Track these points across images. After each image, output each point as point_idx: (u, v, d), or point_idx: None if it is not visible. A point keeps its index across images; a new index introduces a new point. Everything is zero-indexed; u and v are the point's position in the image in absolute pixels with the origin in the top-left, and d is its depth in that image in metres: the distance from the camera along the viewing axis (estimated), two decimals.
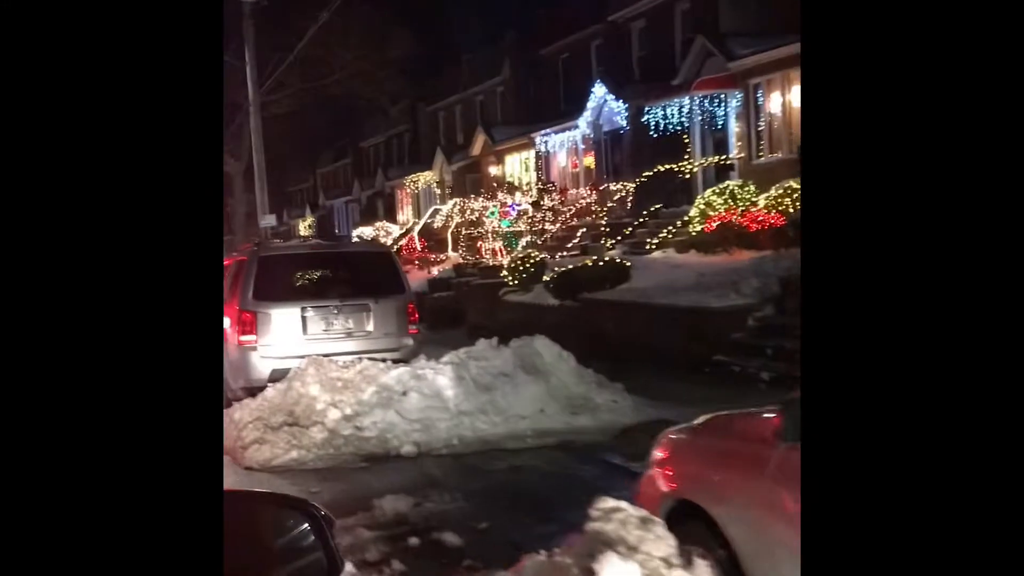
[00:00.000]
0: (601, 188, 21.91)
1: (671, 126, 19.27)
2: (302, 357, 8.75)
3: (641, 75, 23.55)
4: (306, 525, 1.81)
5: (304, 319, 8.93)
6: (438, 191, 34.54)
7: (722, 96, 18.09)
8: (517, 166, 28.57)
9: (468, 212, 25.35)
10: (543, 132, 25.56)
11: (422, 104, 40.94)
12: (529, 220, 22.72)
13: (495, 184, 28.30)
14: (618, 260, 13.45)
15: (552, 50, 29.14)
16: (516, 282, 15.58)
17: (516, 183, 26.75)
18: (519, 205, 23.84)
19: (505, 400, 8.23)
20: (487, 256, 22.15)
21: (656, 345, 10.83)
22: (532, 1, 31.31)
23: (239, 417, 8.15)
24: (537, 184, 25.00)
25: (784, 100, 16.68)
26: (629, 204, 20.25)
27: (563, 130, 24.53)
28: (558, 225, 21.85)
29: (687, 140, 19.28)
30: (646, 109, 19.26)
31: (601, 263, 13.33)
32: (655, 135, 19.53)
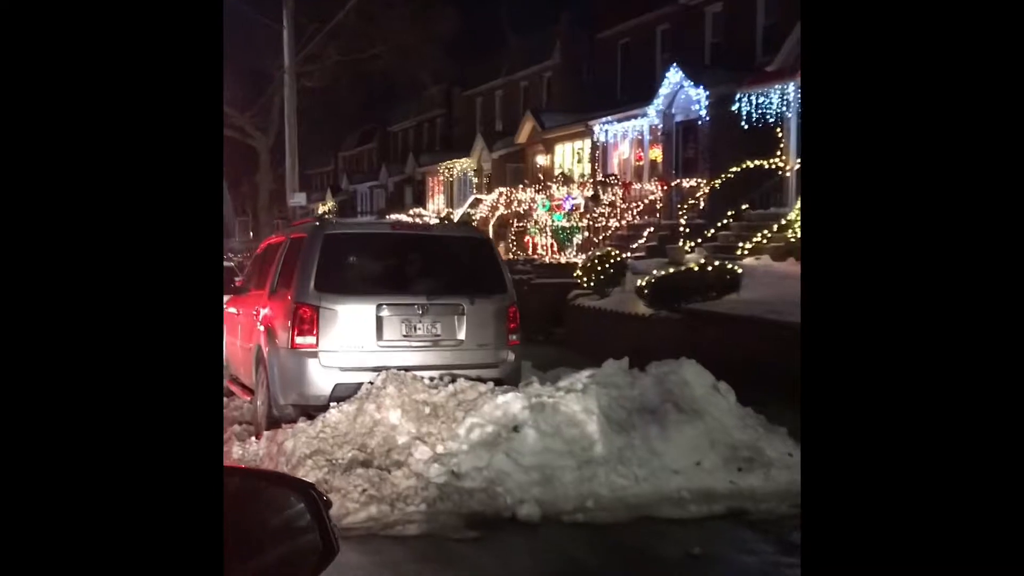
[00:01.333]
0: (673, 184, 19.75)
1: (761, 118, 17.06)
2: (375, 370, 6.64)
3: (713, 63, 21.41)
4: (302, 506, 1.75)
5: (380, 320, 6.81)
6: (475, 179, 32.43)
7: None
8: (569, 156, 26.40)
9: (515, 203, 23.27)
10: (603, 120, 23.38)
11: (458, 88, 38.97)
12: (586, 215, 20.61)
13: (542, 175, 26.18)
14: (728, 266, 11.27)
15: (611, 34, 27.00)
16: (592, 284, 13.45)
17: (568, 174, 24.61)
18: (574, 198, 21.73)
19: (650, 446, 6.11)
20: (541, 252, 20.05)
21: (782, 372, 8.68)
22: None
23: (291, 447, 6.05)
24: (594, 176, 22.84)
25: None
26: (703, 203, 18.08)
27: (627, 118, 22.35)
28: (623, 223, 19.72)
29: (780, 134, 17.07)
30: (736, 97, 17.03)
31: (709, 268, 11.16)
32: (742, 127, 17.32)
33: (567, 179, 23.32)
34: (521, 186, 24.60)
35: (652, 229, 18.85)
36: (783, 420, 6.79)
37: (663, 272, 11.59)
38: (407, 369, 6.67)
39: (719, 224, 16.90)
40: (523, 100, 32.51)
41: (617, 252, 14.00)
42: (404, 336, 6.88)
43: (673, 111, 20.71)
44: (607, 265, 13.45)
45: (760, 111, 16.98)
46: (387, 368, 6.65)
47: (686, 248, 16.35)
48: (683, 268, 11.51)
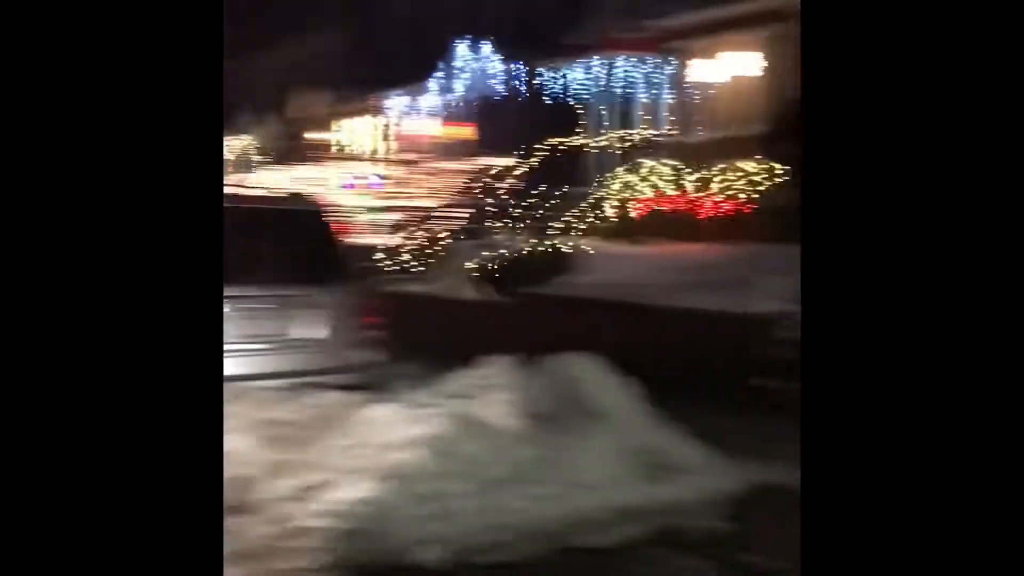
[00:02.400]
0: (478, 162, 18.93)
1: (567, 94, 16.59)
2: None
3: (513, 38, 20.79)
4: None
5: None
6: (259, 157, 30.10)
7: (635, 62, 15.62)
8: (361, 132, 24.94)
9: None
10: (398, 94, 22.17)
11: (230, 61, 36.20)
12: (385, 195, 19.38)
13: (331, 153, 24.60)
14: (561, 247, 10.57)
15: (399, 5, 25.74)
16: (416, 268, 12.35)
17: (360, 151, 23.22)
18: (367, 176, 20.44)
19: (555, 459, 5.17)
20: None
21: (664, 362, 8.07)
22: None
23: None
24: (393, 154, 21.62)
25: (717, 70, 14.44)
26: (511, 182, 17.40)
27: (425, 92, 21.28)
28: (427, 203, 18.66)
29: (587, 110, 16.69)
30: (539, 72, 16.44)
31: (543, 250, 10.41)
32: (547, 103, 16.79)
33: (362, 157, 21.94)
34: (313, 162, 22.91)
35: (460, 210, 17.93)
36: (682, 416, 6.07)
37: (497, 255, 10.70)
38: (248, 379, 5.32)
39: (528, 203, 16.28)
40: (309, 73, 30.53)
41: (444, 233, 12.98)
42: (249, 336, 5.51)
43: (476, 85, 19.89)
44: (430, 248, 12.39)
45: (569, 86, 16.49)
46: (227, 378, 5.25)
47: (499, 229, 15.61)
48: (519, 251, 10.67)
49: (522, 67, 17.72)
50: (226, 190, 7.14)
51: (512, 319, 9.70)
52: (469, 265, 11.07)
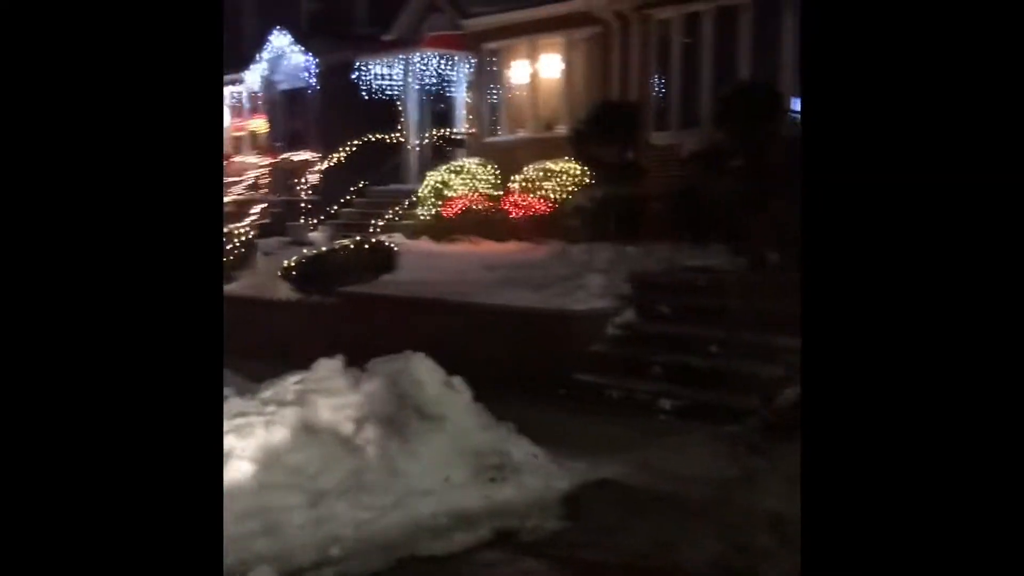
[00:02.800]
0: (281, 157, 18.17)
1: (380, 90, 16.21)
2: None
3: (310, 30, 20.13)
4: None
5: None
6: None
7: (450, 60, 15.49)
8: None
9: None
10: None
11: None
12: None
13: None
14: (385, 244, 10.29)
15: None
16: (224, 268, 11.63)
17: None
18: None
19: (390, 465, 4.93)
20: None
21: (487, 360, 7.93)
22: None
23: None
24: None
25: (532, 71, 14.57)
26: (318, 179, 16.83)
27: (232, 84, 20.18)
28: (229, 198, 17.71)
29: (400, 107, 16.40)
30: (355, 66, 15.96)
31: (366, 247, 10.09)
32: (359, 98, 16.32)
33: None
34: None
35: (263, 206, 17.14)
36: (510, 414, 5.98)
37: (312, 252, 10.25)
38: None
39: (342, 201, 15.80)
40: None
41: (246, 230, 12.28)
42: None
43: (278, 78, 19.09)
44: (233, 245, 11.71)
45: (380, 83, 16.12)
46: None
47: (308, 226, 15.05)
48: (331, 249, 10.26)
49: (334, 61, 17.17)
50: None
51: (328, 319, 9.29)
52: (280, 264, 10.53)
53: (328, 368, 5.39)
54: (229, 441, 4.61)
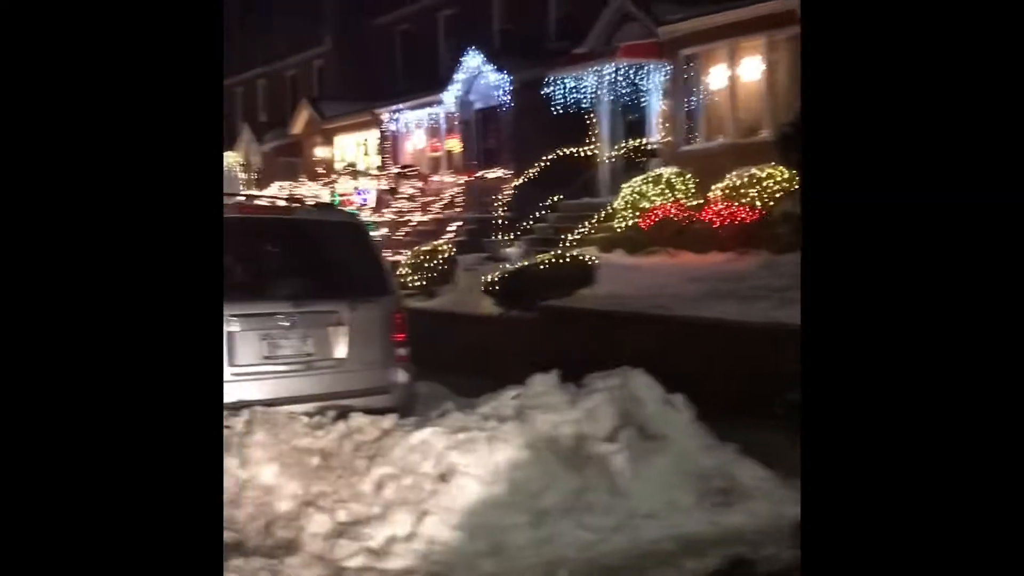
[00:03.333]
0: (476, 174, 18.52)
1: (572, 103, 16.15)
2: (229, 408, 4.79)
3: (502, 49, 20.41)
4: None
5: (231, 337, 4.93)
6: (243, 175, 29.61)
7: (643, 69, 15.24)
8: (352, 147, 24.48)
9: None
10: (393, 108, 21.76)
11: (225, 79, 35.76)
12: (380, 210, 18.95)
13: (324, 168, 24.14)
14: (583, 258, 10.14)
15: (389, 20, 25.41)
16: (423, 283, 11.89)
17: (354, 166, 22.77)
18: (366, 192, 20.02)
19: (611, 485, 4.73)
20: None
21: (699, 376, 7.60)
22: None
23: None
24: (385, 167, 21.17)
25: (731, 75, 14.09)
26: (512, 194, 16.96)
27: (420, 106, 20.88)
28: (425, 216, 18.25)
29: (593, 120, 16.30)
30: (547, 80, 16.01)
31: (563, 261, 9.98)
32: (550, 113, 16.33)
33: (355, 172, 21.50)
34: (300, 180, 22.47)
35: (460, 223, 17.51)
36: (733, 435, 5.64)
37: (513, 267, 10.26)
38: (273, 404, 4.87)
39: (535, 216, 15.86)
40: (292, 90, 30.13)
41: (448, 246, 12.52)
42: (265, 358, 5.06)
43: (472, 98, 19.51)
44: (436, 261, 11.94)
45: (572, 96, 16.08)
46: (245, 404, 4.81)
47: (504, 241, 15.20)
48: (531, 263, 10.23)
49: (526, 77, 17.33)
50: (236, 199, 6.68)
51: (532, 333, 9.24)
52: (480, 279, 10.63)
53: (545, 383, 5.28)
54: (453, 457, 4.58)
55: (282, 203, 7.06)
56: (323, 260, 5.57)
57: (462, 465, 4.53)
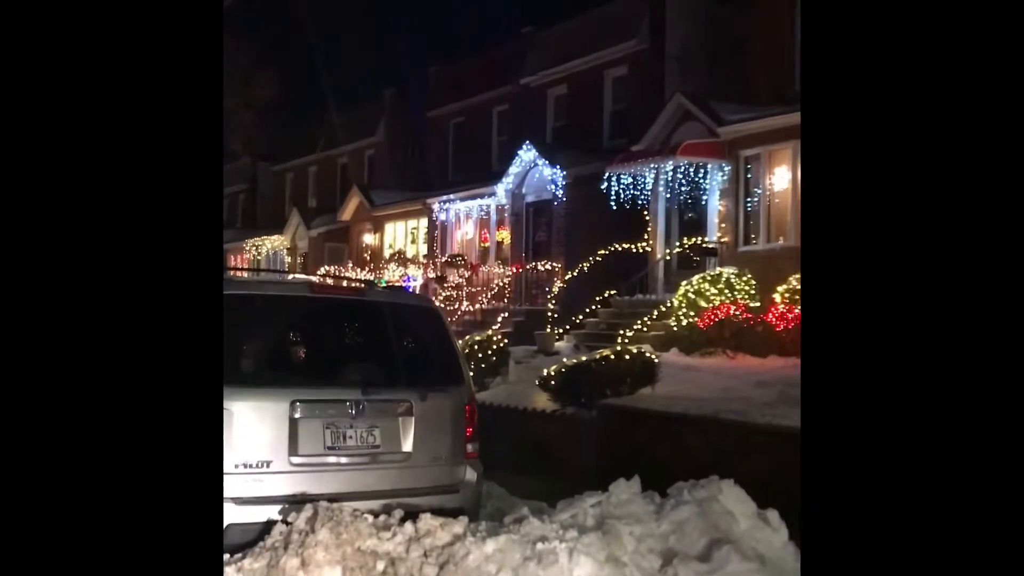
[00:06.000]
0: (527, 267, 18.32)
1: (625, 200, 16.00)
2: (289, 501, 4.42)
3: (557, 144, 20.45)
4: None
5: (294, 424, 4.59)
6: (288, 259, 29.77)
7: (702, 168, 15.08)
8: (401, 236, 24.52)
9: (345, 283, 21.05)
10: (443, 198, 21.81)
11: (265, 163, 36.39)
12: (435, 298, 18.74)
13: (370, 254, 24.15)
14: (646, 354, 9.75)
15: (443, 113, 25.75)
16: (473, 374, 11.52)
17: (402, 253, 22.73)
18: (413, 279, 19.89)
19: None
20: None
21: (783, 489, 7.02)
22: (422, 59, 28.10)
23: None
24: (433, 256, 21.08)
25: (792, 178, 13.87)
26: (560, 288, 16.69)
27: (471, 197, 20.89)
28: (474, 307, 18.02)
29: (648, 217, 16.11)
30: (605, 176, 15.91)
31: (624, 358, 9.59)
32: (602, 209, 16.16)
33: (404, 259, 21.44)
34: (350, 265, 22.44)
35: (506, 314, 17.22)
36: None
37: (571, 361, 9.88)
38: (335, 499, 4.49)
39: (587, 311, 15.55)
40: (340, 177, 30.52)
41: (500, 336, 12.19)
42: (329, 448, 4.70)
43: (524, 191, 19.48)
44: (489, 351, 11.61)
45: (628, 192, 15.94)
46: (306, 498, 4.43)
47: (554, 335, 14.86)
48: (595, 357, 9.84)
49: (581, 172, 17.27)
50: (308, 280, 6.38)
51: (594, 433, 8.79)
52: (531, 372, 10.25)
53: (627, 491, 4.85)
54: (530, 569, 4.15)
55: (354, 284, 6.80)
56: (394, 345, 5.25)
57: None
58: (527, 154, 18.89)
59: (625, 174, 15.88)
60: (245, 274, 7.89)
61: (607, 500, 4.80)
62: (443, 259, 20.12)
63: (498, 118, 23.92)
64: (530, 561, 4.18)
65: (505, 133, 23.12)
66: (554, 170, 18.05)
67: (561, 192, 18.02)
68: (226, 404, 4.46)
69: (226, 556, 4.19)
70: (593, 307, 15.61)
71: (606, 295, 15.73)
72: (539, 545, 4.27)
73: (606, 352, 9.88)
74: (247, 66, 26.20)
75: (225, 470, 4.45)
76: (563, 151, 18.93)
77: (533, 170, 18.89)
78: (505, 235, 20.09)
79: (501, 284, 18.46)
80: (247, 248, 32.50)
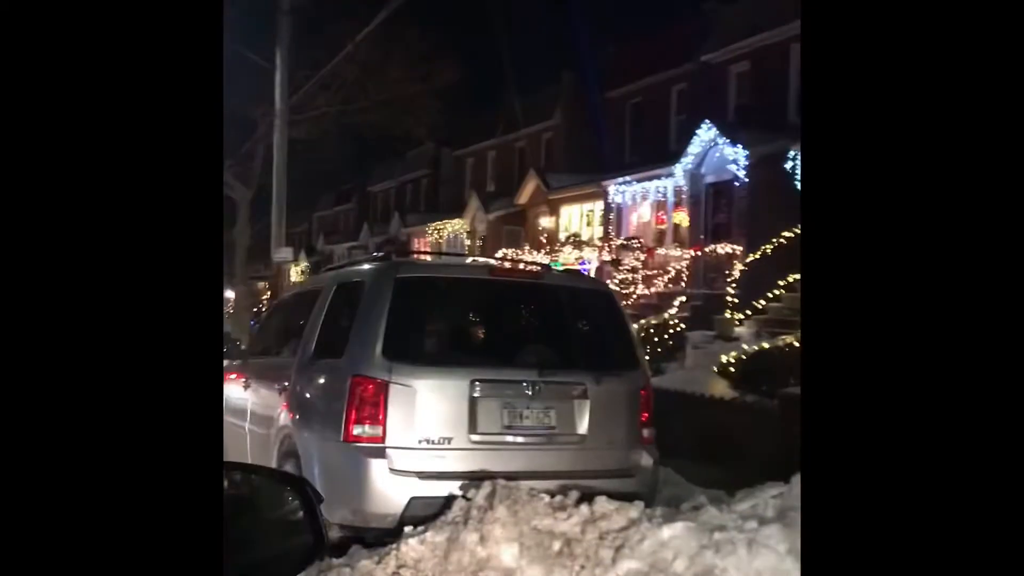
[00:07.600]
0: (705, 250, 17.94)
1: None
2: (468, 477, 4.55)
3: (739, 122, 19.83)
4: (297, 502, 1.85)
5: (474, 403, 4.71)
6: (468, 241, 30.52)
7: None
8: (576, 219, 24.61)
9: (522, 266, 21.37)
10: (619, 180, 21.67)
11: (447, 149, 37.41)
12: (609, 281, 18.72)
13: (547, 237, 24.37)
14: None
15: (621, 93, 25.56)
16: (649, 359, 11.42)
17: (578, 237, 22.80)
18: (588, 262, 19.91)
19: None
20: None
21: None
22: (601, 40, 27.99)
23: None
24: (609, 239, 21.01)
25: None
26: (741, 272, 16.21)
27: (648, 179, 20.66)
28: (650, 290, 17.84)
29: None
30: (788, 155, 15.31)
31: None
32: (788, 189, 15.57)
33: (579, 242, 21.49)
34: (527, 248, 22.74)
35: (684, 298, 16.93)
36: None
37: (753, 348, 9.60)
38: (512, 477, 4.57)
39: (770, 295, 15.04)
40: (519, 161, 30.93)
41: (677, 321, 12.01)
42: (506, 427, 4.79)
43: (703, 171, 19.05)
44: (665, 336, 11.46)
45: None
46: (485, 475, 4.55)
47: (735, 320, 14.48)
48: (780, 344, 9.52)
49: (766, 151, 16.72)
50: (488, 262, 6.54)
51: (777, 424, 8.52)
52: (709, 358, 10.04)
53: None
54: (707, 558, 4.08)
55: (531, 267, 6.88)
56: (570, 328, 5.28)
57: (719, 568, 4.02)
58: (707, 133, 18.44)
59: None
60: (428, 257, 8.22)
61: (789, 492, 4.63)
62: (618, 242, 20.01)
63: (677, 97, 23.51)
64: (707, 550, 4.11)
65: (684, 112, 22.71)
66: (736, 149, 17.54)
67: (743, 172, 17.49)
68: (410, 382, 4.64)
69: (409, 528, 4.37)
70: (776, 292, 15.07)
71: (790, 279, 15.15)
72: (716, 534, 4.19)
73: (790, 339, 9.53)
74: (428, 53, 26.87)
75: (409, 445, 4.64)
76: (746, 129, 18.37)
77: (713, 149, 18.43)
78: (683, 217, 19.74)
79: (678, 267, 18.16)
80: (429, 232, 33.60)
